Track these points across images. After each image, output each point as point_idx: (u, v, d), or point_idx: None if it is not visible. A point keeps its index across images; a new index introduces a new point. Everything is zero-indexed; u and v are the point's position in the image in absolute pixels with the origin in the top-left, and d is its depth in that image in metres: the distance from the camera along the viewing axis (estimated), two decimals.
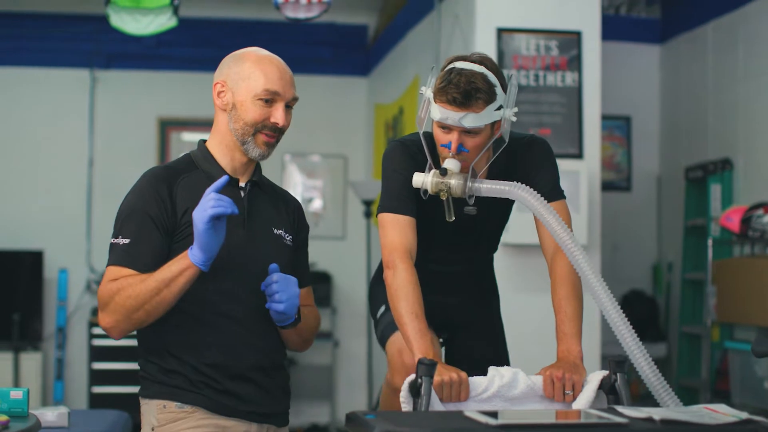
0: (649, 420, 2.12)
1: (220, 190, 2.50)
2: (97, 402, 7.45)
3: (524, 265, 5.24)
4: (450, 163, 2.82)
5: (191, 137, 8.51)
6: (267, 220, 2.79)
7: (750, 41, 6.57)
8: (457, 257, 3.21)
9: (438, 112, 2.82)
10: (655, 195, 7.78)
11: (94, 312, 7.78)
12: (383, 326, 3.18)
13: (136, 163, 8.23)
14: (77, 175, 8.25)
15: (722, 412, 2.24)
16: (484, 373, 2.70)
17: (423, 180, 2.83)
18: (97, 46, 8.11)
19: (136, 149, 8.33)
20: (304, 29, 7.79)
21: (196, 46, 8.13)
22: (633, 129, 7.82)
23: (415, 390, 2.48)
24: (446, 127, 2.84)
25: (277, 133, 2.74)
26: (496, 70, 2.87)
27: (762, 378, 5.47)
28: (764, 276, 5.44)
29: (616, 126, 7.73)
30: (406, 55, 7.42)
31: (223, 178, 2.51)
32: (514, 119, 2.87)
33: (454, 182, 2.78)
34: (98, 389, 7.54)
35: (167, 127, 8.48)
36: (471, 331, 3.28)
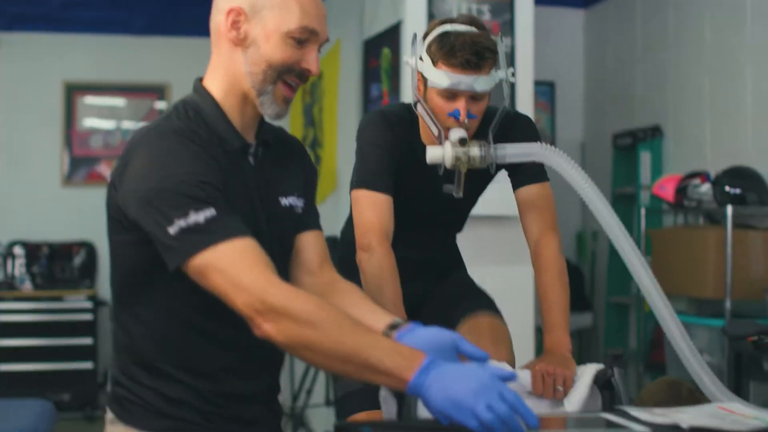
0: (677, 428, 1.92)
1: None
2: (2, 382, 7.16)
3: (488, 236, 5.09)
4: (459, 133, 2.55)
5: (98, 101, 8.16)
6: (278, 190, 2.20)
7: (680, 5, 6.46)
8: (427, 239, 2.98)
9: (446, 78, 2.57)
10: (579, 162, 7.63)
11: None
12: (343, 394, 2.86)
13: (40, 128, 7.91)
14: None
15: (741, 413, 2.05)
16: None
17: (442, 153, 2.49)
18: (0, 7, 7.68)
19: (40, 114, 7.97)
20: None
21: (103, 9, 7.73)
22: (557, 95, 7.68)
23: (400, 393, 2.24)
24: (453, 94, 2.61)
25: (303, 82, 2.12)
26: (486, 29, 2.66)
27: (699, 350, 5.35)
28: (701, 247, 5.33)
29: (540, 92, 7.56)
30: (327, 18, 7.13)
31: (509, 373, 1.79)
32: (514, 80, 2.65)
33: (477, 151, 2.48)
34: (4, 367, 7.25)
35: (73, 91, 8.10)
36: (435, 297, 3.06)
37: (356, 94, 6.21)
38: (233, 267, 1.87)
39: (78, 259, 7.92)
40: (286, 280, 2.03)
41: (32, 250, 7.81)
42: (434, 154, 2.50)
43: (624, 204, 6.96)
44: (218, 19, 2.09)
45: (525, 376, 2.44)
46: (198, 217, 1.88)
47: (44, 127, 7.99)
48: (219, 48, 2.12)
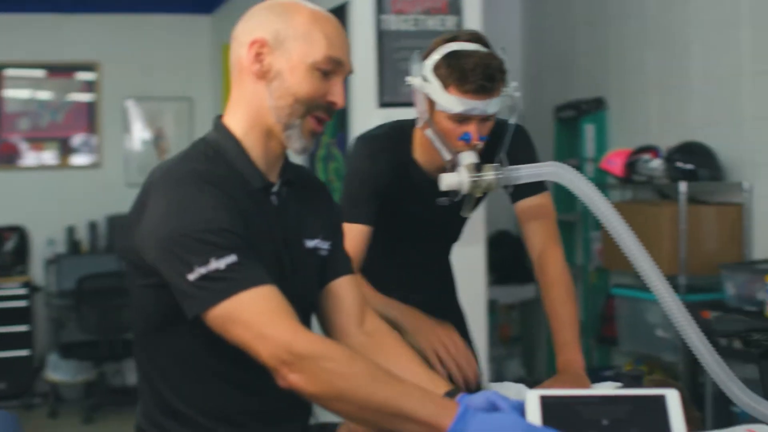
0: None
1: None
2: None
3: None
4: (471, 157, 2.52)
5: (24, 82, 7.92)
6: (302, 232, 2.13)
7: None
8: (424, 252, 2.93)
9: (459, 103, 2.49)
10: None
11: None
12: None
13: None
14: None
15: None
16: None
17: (458, 181, 2.49)
18: None
19: None
20: None
21: None
22: None
23: None
24: (465, 118, 2.53)
25: (330, 117, 2.04)
26: (489, 44, 2.59)
27: (653, 325, 5.41)
28: (654, 223, 5.34)
29: None
30: None
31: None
32: (518, 94, 2.60)
33: (492, 177, 2.47)
34: None
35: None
36: None
37: None
38: (256, 317, 1.80)
39: (9, 245, 7.70)
40: (307, 326, 1.98)
41: None
42: (450, 181, 2.46)
43: None
44: (240, 52, 2.01)
45: None
46: (219, 264, 1.80)
47: None
48: (241, 82, 2.03)
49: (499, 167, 2.47)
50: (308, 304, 2.15)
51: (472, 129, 2.52)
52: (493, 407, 1.83)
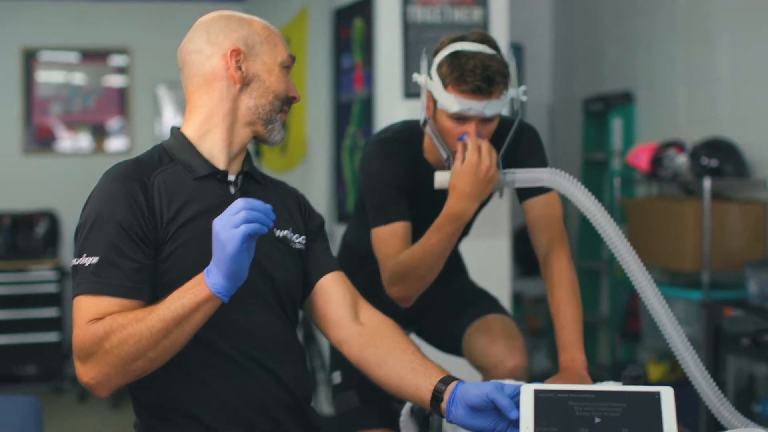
0: None
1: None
2: None
3: None
4: None
5: (57, 68, 7.99)
6: None
7: None
8: None
9: (456, 103, 2.52)
10: (546, 125, 7.62)
11: None
12: (342, 412, 2.92)
13: None
14: None
15: None
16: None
17: (449, 180, 2.55)
18: None
19: None
20: None
21: None
22: (525, 58, 7.62)
23: (422, 418, 2.21)
24: (463, 118, 2.55)
25: (289, 109, 2.29)
26: (498, 46, 2.60)
27: (678, 321, 5.39)
28: (679, 219, 5.33)
29: None
30: None
31: (267, 205, 1.89)
32: (525, 98, 2.62)
33: None
34: None
35: (31, 59, 7.93)
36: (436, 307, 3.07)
37: (326, 64, 6.13)
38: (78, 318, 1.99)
39: (41, 229, 7.79)
40: (289, 312, 2.22)
41: None
42: (442, 179, 2.50)
43: (595, 170, 6.94)
44: (210, 64, 2.18)
45: None
46: (84, 261, 2.01)
47: (2, 96, 7.83)
48: (210, 90, 2.19)
49: (496, 171, 2.50)
50: (283, 288, 2.20)
51: (470, 130, 2.55)
52: (491, 403, 1.87)
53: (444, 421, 2.19)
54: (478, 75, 2.49)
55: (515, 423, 1.87)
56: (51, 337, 7.38)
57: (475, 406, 1.92)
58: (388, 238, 2.66)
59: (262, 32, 2.21)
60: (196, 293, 1.91)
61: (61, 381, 7.36)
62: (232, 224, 1.84)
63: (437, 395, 2.02)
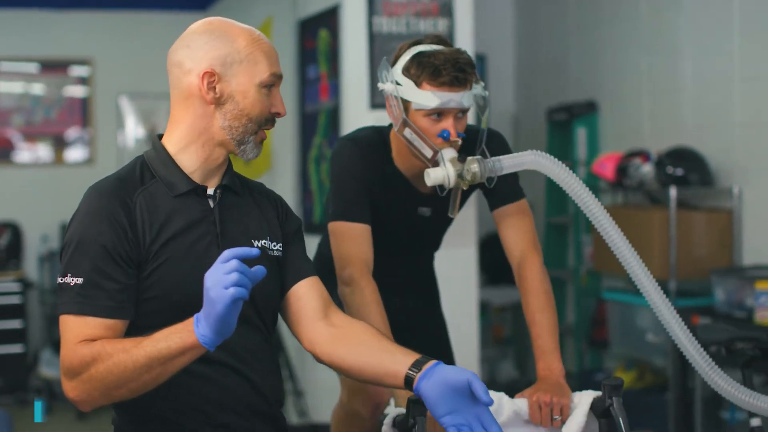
0: None
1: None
2: None
3: None
4: (450, 152, 2.57)
5: (16, 78, 7.91)
6: (244, 231, 2.23)
7: None
8: (404, 261, 2.95)
9: (435, 97, 2.55)
10: (511, 135, 7.64)
11: None
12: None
13: None
14: None
15: None
16: None
17: (444, 174, 2.54)
18: None
19: None
20: None
21: None
22: (488, 67, 7.64)
23: (405, 428, 2.20)
24: (440, 114, 2.56)
25: (273, 125, 2.23)
26: (453, 46, 2.65)
27: (643, 329, 5.43)
28: (645, 228, 5.36)
29: None
30: None
31: (252, 251, 1.87)
32: (487, 93, 2.65)
33: (476, 167, 2.50)
34: None
35: None
36: (417, 336, 3.03)
37: (292, 75, 6.11)
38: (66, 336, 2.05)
39: (3, 241, 7.71)
40: (269, 322, 2.25)
41: None
42: (436, 175, 2.50)
43: None
44: (188, 80, 2.16)
45: (522, 405, 2.44)
46: (70, 280, 2.05)
47: None
48: (187, 105, 2.18)
49: (482, 159, 2.51)
50: (261, 299, 2.20)
51: (449, 125, 2.57)
52: (467, 388, 1.95)
53: None
54: (450, 67, 2.53)
55: (480, 413, 1.95)
56: (15, 348, 7.31)
57: (451, 384, 1.96)
58: (346, 236, 2.66)
59: (245, 50, 2.14)
60: (183, 338, 1.91)
61: (26, 393, 7.28)
62: (222, 284, 1.82)
63: (417, 364, 2.04)
